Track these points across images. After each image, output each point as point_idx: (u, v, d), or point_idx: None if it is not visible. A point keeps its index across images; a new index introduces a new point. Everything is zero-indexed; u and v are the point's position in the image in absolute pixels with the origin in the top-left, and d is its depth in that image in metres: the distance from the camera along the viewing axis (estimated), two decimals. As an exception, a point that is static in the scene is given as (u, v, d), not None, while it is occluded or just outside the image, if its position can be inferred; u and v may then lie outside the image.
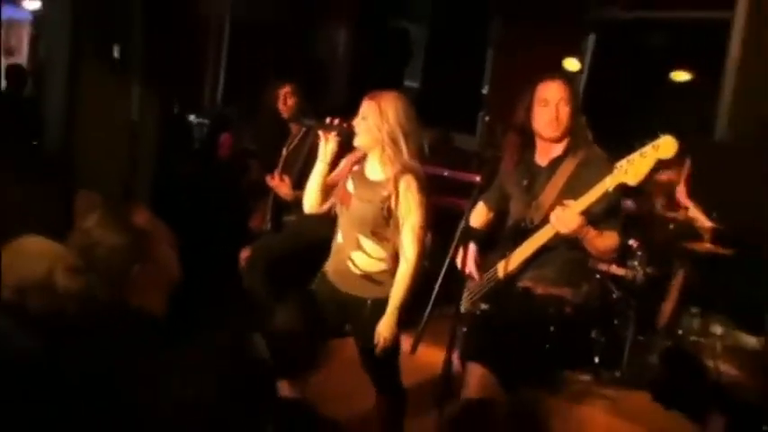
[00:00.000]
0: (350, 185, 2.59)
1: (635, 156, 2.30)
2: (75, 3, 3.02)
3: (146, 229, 1.69)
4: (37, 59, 6.51)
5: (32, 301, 1.74)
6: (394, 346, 2.58)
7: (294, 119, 3.74)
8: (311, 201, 2.64)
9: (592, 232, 2.41)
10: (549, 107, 2.53)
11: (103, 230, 1.64)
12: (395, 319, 2.50)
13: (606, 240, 2.48)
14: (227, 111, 6.18)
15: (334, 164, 2.60)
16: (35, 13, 6.79)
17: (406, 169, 2.46)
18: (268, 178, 3.68)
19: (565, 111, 2.52)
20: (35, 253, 1.83)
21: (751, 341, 4.52)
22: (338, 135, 2.50)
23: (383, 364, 2.61)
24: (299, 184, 3.59)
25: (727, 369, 4.29)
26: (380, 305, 2.52)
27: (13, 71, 5.16)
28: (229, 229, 3.90)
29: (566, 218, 2.36)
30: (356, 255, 2.57)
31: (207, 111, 6.13)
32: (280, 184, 3.63)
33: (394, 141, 2.45)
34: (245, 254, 3.63)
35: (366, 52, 6.55)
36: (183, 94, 4.94)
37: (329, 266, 2.69)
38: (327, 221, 3.42)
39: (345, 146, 2.59)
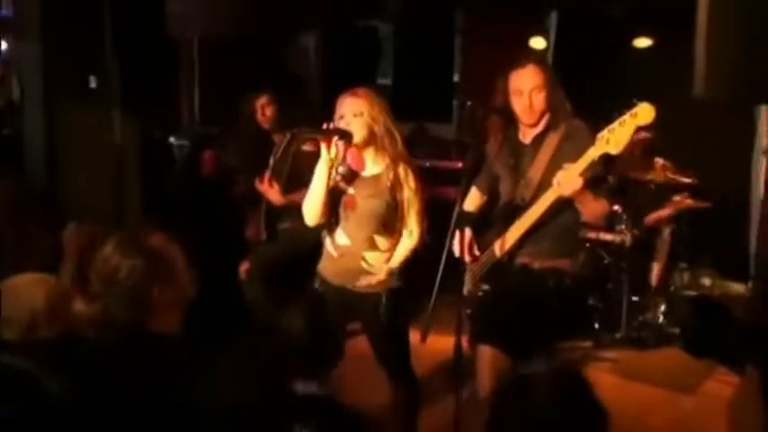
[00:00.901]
0: (350, 190, 2.56)
1: (615, 125, 2.37)
2: (45, 38, 3.02)
3: (162, 251, 1.70)
4: (8, 98, 6.45)
5: (44, 333, 1.79)
6: (406, 337, 2.64)
7: (276, 128, 3.78)
8: (315, 213, 2.56)
9: (590, 195, 2.48)
10: (523, 97, 2.58)
11: (122, 256, 1.65)
12: (387, 275, 2.55)
13: (600, 205, 2.57)
14: (207, 129, 6.19)
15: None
16: (5, 53, 6.71)
17: (401, 158, 2.50)
18: (257, 182, 3.69)
19: (539, 98, 2.58)
20: (29, 288, 1.87)
21: (739, 288, 4.66)
22: (341, 138, 2.43)
23: (397, 355, 2.66)
24: (287, 191, 3.65)
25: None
26: (396, 294, 2.56)
27: None
28: (225, 244, 3.93)
29: (568, 179, 2.42)
30: (368, 254, 2.56)
31: (186, 131, 6.13)
32: (269, 189, 3.65)
33: (390, 132, 2.48)
34: (244, 267, 3.67)
35: (337, 55, 6.59)
36: (160, 117, 4.94)
37: (329, 269, 2.65)
38: (320, 227, 3.48)
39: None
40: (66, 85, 3.01)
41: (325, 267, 2.66)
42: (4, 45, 6.56)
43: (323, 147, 2.45)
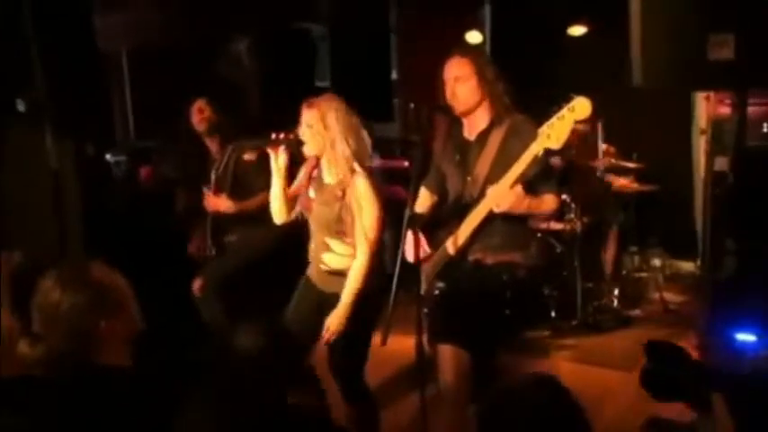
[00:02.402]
0: (311, 192, 2.70)
1: (554, 120, 2.38)
2: None
3: (107, 283, 1.65)
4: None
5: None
6: (360, 351, 2.63)
7: (209, 133, 3.68)
8: (277, 213, 2.76)
9: (528, 202, 2.49)
10: (448, 86, 2.61)
11: (63, 290, 1.59)
12: (344, 312, 2.55)
13: (545, 204, 2.58)
14: (143, 143, 6.02)
15: (289, 175, 2.69)
16: None
17: (351, 171, 2.54)
18: (205, 199, 3.60)
19: (462, 88, 2.58)
20: None
21: (688, 267, 4.80)
22: (287, 148, 2.59)
23: (352, 368, 2.65)
24: (233, 200, 3.57)
25: (671, 297, 4.56)
26: (359, 303, 2.58)
27: None
28: (175, 261, 3.81)
29: (499, 195, 2.45)
30: (326, 256, 2.67)
31: (122, 147, 5.94)
32: (218, 202, 3.57)
33: (334, 145, 2.53)
34: (197, 284, 3.56)
35: (271, 59, 6.49)
36: (94, 135, 4.77)
37: (310, 270, 2.78)
38: (270, 236, 3.42)
39: (297, 155, 2.67)
40: None
41: (310, 267, 2.79)
42: None
43: (271, 155, 2.62)
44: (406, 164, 5.24)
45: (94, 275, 1.64)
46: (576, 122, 2.36)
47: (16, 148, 2.99)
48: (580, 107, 2.34)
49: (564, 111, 2.36)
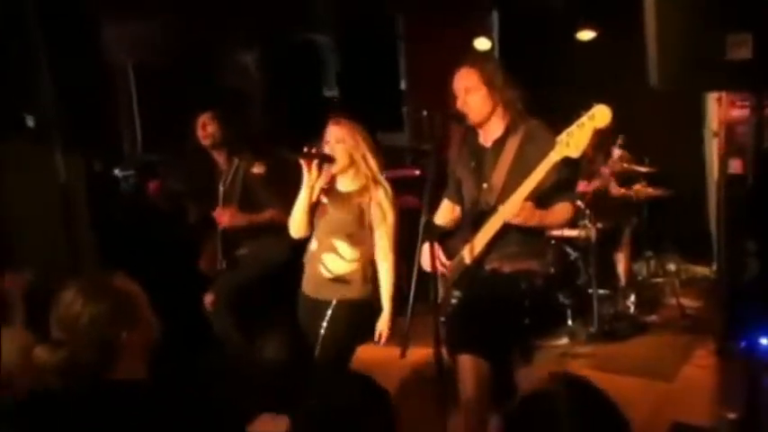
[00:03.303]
0: (323, 199, 2.80)
1: (573, 128, 2.35)
2: None
3: (126, 293, 1.65)
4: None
5: (18, 388, 1.67)
6: (345, 356, 2.74)
7: (216, 146, 3.65)
8: (299, 226, 2.81)
9: (539, 215, 2.46)
10: (459, 97, 2.60)
11: (84, 301, 1.59)
12: (390, 315, 2.76)
13: (558, 215, 2.55)
14: (151, 157, 6.00)
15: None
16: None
17: (377, 182, 2.76)
18: (216, 216, 3.58)
19: (473, 99, 2.57)
20: None
21: (704, 271, 4.74)
22: (321, 161, 2.69)
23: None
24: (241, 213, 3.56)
25: (687, 302, 4.49)
26: (345, 306, 2.72)
27: None
28: (186, 276, 3.78)
29: (512, 208, 2.43)
30: (328, 257, 2.77)
31: (130, 161, 5.93)
32: (227, 215, 3.53)
33: (365, 159, 2.74)
34: (209, 298, 3.53)
35: (278, 70, 6.49)
36: (102, 150, 4.76)
37: (304, 283, 2.87)
38: (281, 249, 3.39)
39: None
40: (2, 129, 2.87)
41: (304, 281, 2.88)
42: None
43: (304, 168, 2.71)
44: (417, 172, 5.21)
45: (114, 286, 1.64)
46: (596, 130, 2.33)
47: (25, 164, 2.98)
48: (600, 115, 2.31)
49: (584, 118, 2.33)
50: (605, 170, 4.24)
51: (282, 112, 6.05)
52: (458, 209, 2.87)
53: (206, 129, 3.61)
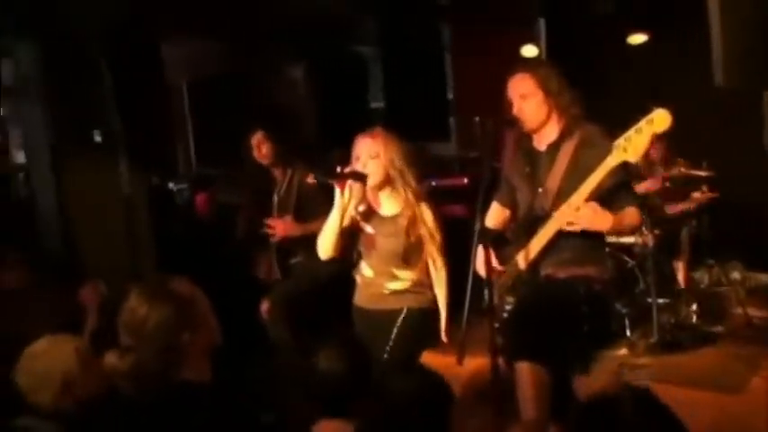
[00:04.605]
0: (368, 229, 2.71)
1: (631, 133, 2.31)
2: (48, 100, 3.04)
3: (189, 297, 1.68)
4: (9, 163, 6.42)
5: (78, 393, 1.72)
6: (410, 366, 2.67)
7: (275, 163, 3.71)
8: (328, 248, 2.69)
9: (612, 218, 2.39)
10: (514, 103, 2.58)
11: (150, 305, 1.63)
12: (448, 320, 2.74)
13: (629, 218, 2.50)
14: (204, 171, 6.15)
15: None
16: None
17: (418, 197, 2.64)
18: (271, 225, 3.63)
19: (528, 105, 2.55)
20: (58, 349, 1.82)
21: (769, 279, 4.56)
22: (356, 181, 2.57)
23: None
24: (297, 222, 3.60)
25: (753, 311, 4.33)
26: (415, 313, 2.69)
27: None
28: (240, 286, 3.84)
29: (567, 216, 2.40)
30: (391, 283, 2.73)
31: (184, 175, 6.10)
32: (285, 227, 3.58)
33: (405, 173, 2.61)
34: (264, 307, 3.58)
35: (325, 84, 6.58)
36: (158, 164, 4.91)
37: (359, 295, 2.83)
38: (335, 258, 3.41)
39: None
40: (72, 143, 3.04)
41: (358, 294, 2.84)
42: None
43: (337, 190, 2.56)
44: (465, 181, 5.18)
45: (176, 290, 1.68)
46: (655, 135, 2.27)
47: (92, 178, 3.10)
48: (659, 119, 2.26)
49: (642, 123, 2.29)
50: (662, 176, 4.14)
51: (330, 124, 6.12)
52: (507, 212, 2.84)
53: (261, 149, 3.67)
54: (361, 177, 2.56)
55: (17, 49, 3.50)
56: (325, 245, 2.68)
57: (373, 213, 2.70)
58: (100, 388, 1.72)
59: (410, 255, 2.69)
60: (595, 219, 2.37)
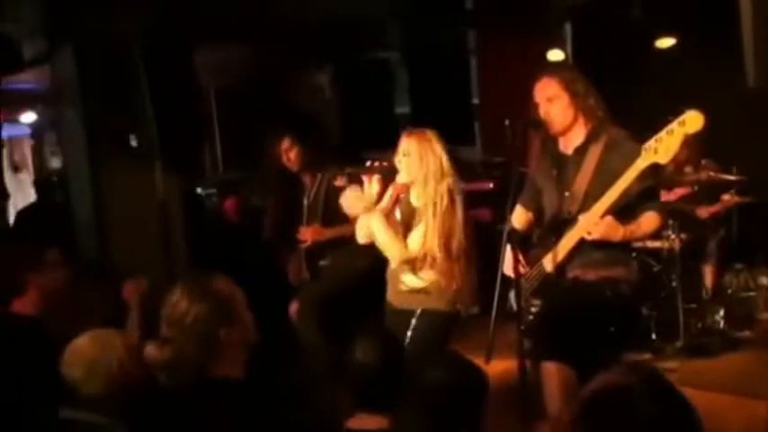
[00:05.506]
0: (398, 215, 2.80)
1: (662, 134, 2.32)
2: (84, 105, 3.13)
3: (226, 294, 1.75)
4: (44, 168, 6.64)
5: (128, 382, 1.79)
6: None
7: (304, 169, 3.77)
8: (361, 234, 2.87)
9: (623, 231, 2.44)
10: (541, 107, 2.60)
11: (189, 300, 1.70)
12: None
13: (644, 227, 2.52)
14: (231, 176, 6.24)
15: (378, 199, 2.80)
16: (33, 126, 6.91)
17: (448, 192, 2.71)
18: (301, 234, 3.70)
19: (554, 108, 2.57)
20: (106, 340, 1.89)
21: (799, 284, 4.49)
22: (381, 175, 2.71)
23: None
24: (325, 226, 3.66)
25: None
26: (427, 316, 2.74)
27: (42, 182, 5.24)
28: (269, 288, 3.90)
29: (588, 225, 2.43)
30: (406, 276, 2.80)
31: (211, 180, 6.19)
32: (314, 233, 3.65)
33: (426, 182, 2.69)
34: (294, 307, 3.64)
35: (350, 89, 6.64)
36: (189, 169, 5.00)
37: (388, 294, 2.91)
38: (363, 259, 3.46)
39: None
40: (109, 147, 3.13)
41: (388, 292, 2.92)
42: (32, 117, 6.74)
43: (365, 181, 2.74)
44: (491, 185, 5.20)
45: (216, 287, 1.75)
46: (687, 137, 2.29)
47: (128, 182, 3.18)
48: (691, 121, 2.27)
49: (673, 124, 2.30)
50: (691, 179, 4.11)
51: (356, 130, 6.17)
52: (530, 214, 2.87)
53: (289, 155, 3.73)
54: (389, 172, 2.71)
55: (54, 55, 3.60)
56: (359, 230, 2.85)
57: (405, 203, 2.82)
58: (142, 379, 1.79)
59: (431, 247, 2.71)
60: (609, 231, 2.42)
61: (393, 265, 2.83)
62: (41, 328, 2.22)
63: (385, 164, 2.73)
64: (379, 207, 2.78)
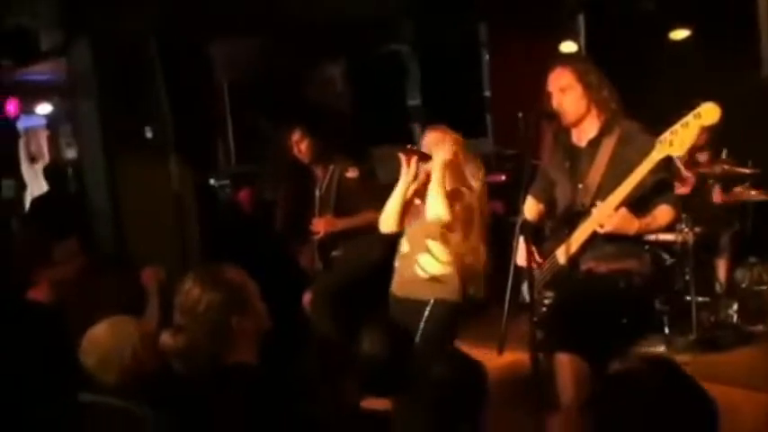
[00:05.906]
0: (417, 201, 2.83)
1: (677, 127, 2.31)
2: (101, 97, 3.16)
3: (238, 283, 1.77)
4: (60, 159, 6.70)
5: (145, 369, 1.82)
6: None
7: (315, 161, 3.78)
8: (391, 222, 2.85)
9: (638, 224, 2.44)
10: (554, 98, 2.60)
11: (202, 289, 1.73)
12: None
13: (658, 220, 2.52)
14: (244, 168, 6.28)
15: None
16: (49, 117, 6.98)
17: (472, 177, 2.83)
18: (314, 226, 3.72)
19: (567, 99, 2.57)
20: (122, 328, 1.92)
21: (814, 279, 4.45)
22: (420, 159, 2.74)
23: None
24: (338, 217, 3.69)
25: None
26: (441, 305, 2.74)
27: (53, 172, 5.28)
28: (282, 279, 3.93)
29: (602, 217, 2.42)
30: (423, 257, 2.81)
31: (224, 172, 6.23)
32: (326, 225, 3.66)
33: (464, 163, 2.81)
34: (307, 297, 3.67)
35: (362, 82, 6.65)
36: (202, 160, 5.04)
37: (394, 285, 2.90)
38: (376, 249, 3.48)
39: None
40: (124, 139, 3.16)
41: (393, 282, 2.91)
42: (48, 108, 6.80)
43: (403, 163, 2.76)
44: (503, 178, 5.20)
45: (228, 276, 1.77)
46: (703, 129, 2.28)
47: (143, 173, 3.21)
48: (707, 113, 2.26)
49: (689, 117, 2.29)
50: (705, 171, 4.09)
51: (368, 122, 6.18)
52: (541, 206, 2.87)
53: (300, 146, 3.75)
54: (425, 157, 2.75)
55: (71, 48, 3.63)
56: (389, 218, 2.84)
57: (425, 191, 2.83)
58: (158, 366, 1.82)
59: (452, 225, 2.74)
60: (623, 224, 2.41)
61: (431, 218, 2.76)
62: (58, 314, 2.26)
63: (422, 150, 2.79)
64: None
